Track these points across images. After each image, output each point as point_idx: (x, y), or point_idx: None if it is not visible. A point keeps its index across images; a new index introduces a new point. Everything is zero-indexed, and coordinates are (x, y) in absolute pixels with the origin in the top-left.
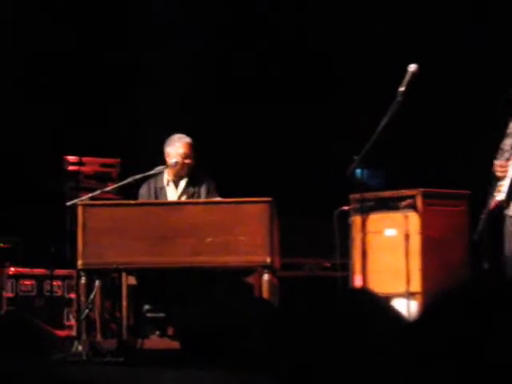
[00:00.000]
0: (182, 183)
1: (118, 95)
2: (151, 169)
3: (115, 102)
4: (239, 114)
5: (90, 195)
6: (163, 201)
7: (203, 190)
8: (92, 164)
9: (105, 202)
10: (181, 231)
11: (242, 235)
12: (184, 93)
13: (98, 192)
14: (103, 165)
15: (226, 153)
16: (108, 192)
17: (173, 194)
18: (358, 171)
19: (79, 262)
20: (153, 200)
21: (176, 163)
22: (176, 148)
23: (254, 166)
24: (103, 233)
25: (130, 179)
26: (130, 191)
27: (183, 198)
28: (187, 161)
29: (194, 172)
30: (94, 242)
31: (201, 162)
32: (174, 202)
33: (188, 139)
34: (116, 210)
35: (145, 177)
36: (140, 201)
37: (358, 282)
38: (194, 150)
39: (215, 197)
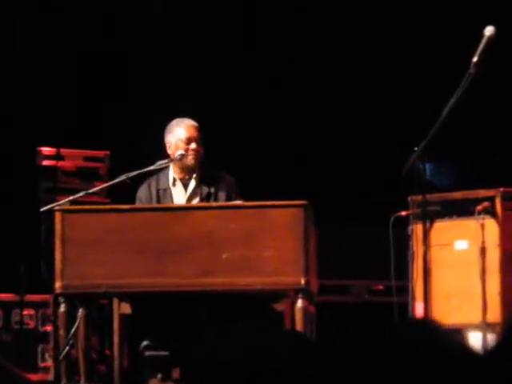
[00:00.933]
0: (193, 183)
1: (108, 73)
2: (151, 164)
3: (104, 80)
4: (262, 100)
5: (71, 198)
6: (167, 205)
7: (221, 190)
8: (73, 157)
9: (90, 206)
10: (190, 244)
11: (268, 249)
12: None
13: (81, 194)
14: (88, 158)
15: (246, 147)
16: (94, 194)
17: (180, 196)
18: (420, 166)
19: (57, 285)
20: (154, 204)
21: (182, 156)
22: (178, 134)
23: (283, 163)
24: (88, 246)
25: (123, 177)
26: (124, 193)
27: (194, 202)
28: (194, 146)
29: (206, 167)
30: (77, 258)
31: (216, 158)
32: (181, 206)
33: (192, 121)
34: (105, 216)
35: (143, 174)
36: (137, 205)
37: (419, 310)
38: (202, 136)
39: (236, 199)
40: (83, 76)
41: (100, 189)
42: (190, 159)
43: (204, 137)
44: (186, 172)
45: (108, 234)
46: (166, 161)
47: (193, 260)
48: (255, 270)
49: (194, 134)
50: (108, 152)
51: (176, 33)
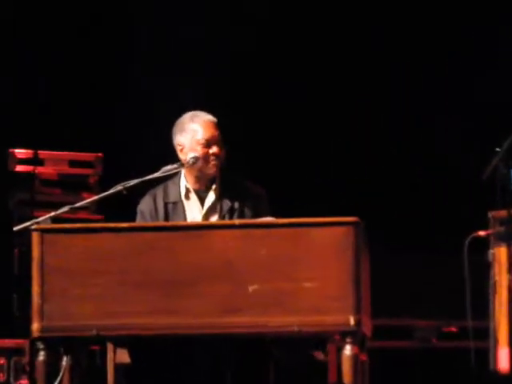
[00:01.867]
0: (211, 195)
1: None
2: (156, 170)
3: (95, 65)
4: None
5: (53, 214)
6: (178, 223)
7: (248, 205)
8: (55, 162)
9: (77, 225)
10: (207, 274)
11: (308, 280)
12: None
13: (65, 209)
14: (74, 163)
15: (279, 152)
16: (83, 209)
17: (195, 211)
18: (504, 172)
19: (35, 327)
20: (161, 222)
21: (196, 159)
22: (193, 133)
23: (324, 173)
24: (75, 276)
25: (119, 187)
26: (121, 208)
27: (213, 219)
28: (215, 150)
29: (229, 175)
30: (60, 292)
31: (241, 164)
32: (196, 224)
33: (210, 116)
34: (97, 238)
35: (146, 184)
36: (138, 223)
37: (503, 358)
38: (222, 135)
39: (267, 217)
40: (69, 62)
41: (89, 202)
42: (210, 167)
43: (224, 136)
44: (203, 181)
45: (100, 260)
46: (175, 165)
47: (211, 294)
48: (291, 306)
49: (215, 133)
50: (100, 155)
51: (176, 28)
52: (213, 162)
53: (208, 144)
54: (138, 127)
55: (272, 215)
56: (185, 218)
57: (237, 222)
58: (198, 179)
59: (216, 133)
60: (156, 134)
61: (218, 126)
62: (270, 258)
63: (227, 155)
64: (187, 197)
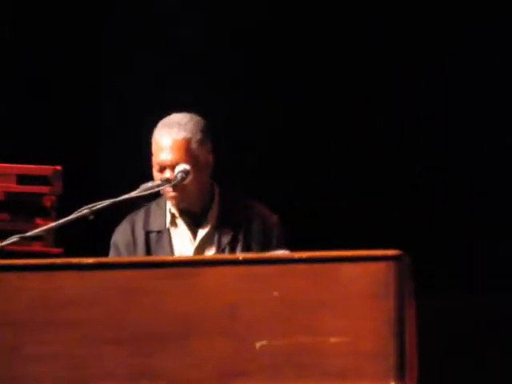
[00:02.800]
0: (207, 222)
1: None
2: (134, 188)
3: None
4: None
5: None
6: (162, 258)
7: (255, 235)
8: (1, 178)
9: (29, 261)
10: (200, 326)
11: (334, 333)
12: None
13: (12, 239)
14: (24, 178)
15: (296, 167)
16: (36, 239)
17: (185, 243)
18: None
19: None
20: (140, 257)
21: (186, 173)
22: (153, 146)
23: (351, 193)
24: (26, 330)
25: (84, 211)
26: (86, 239)
27: (209, 254)
28: (168, 175)
29: (230, 196)
30: (6, 350)
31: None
32: (186, 259)
33: (173, 131)
34: (54, 278)
35: (119, 206)
36: (110, 259)
37: None
38: (202, 149)
39: (280, 249)
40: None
41: (45, 230)
42: (174, 200)
43: (210, 142)
44: (195, 203)
45: (60, 308)
46: (158, 182)
47: (206, 353)
48: (311, 368)
49: (170, 156)
50: (58, 168)
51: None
52: (167, 195)
53: (160, 168)
54: (109, 130)
55: (287, 247)
56: (172, 252)
57: (240, 255)
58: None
59: (173, 156)
60: (132, 140)
61: (192, 140)
62: (284, 304)
63: (217, 170)
64: (174, 223)
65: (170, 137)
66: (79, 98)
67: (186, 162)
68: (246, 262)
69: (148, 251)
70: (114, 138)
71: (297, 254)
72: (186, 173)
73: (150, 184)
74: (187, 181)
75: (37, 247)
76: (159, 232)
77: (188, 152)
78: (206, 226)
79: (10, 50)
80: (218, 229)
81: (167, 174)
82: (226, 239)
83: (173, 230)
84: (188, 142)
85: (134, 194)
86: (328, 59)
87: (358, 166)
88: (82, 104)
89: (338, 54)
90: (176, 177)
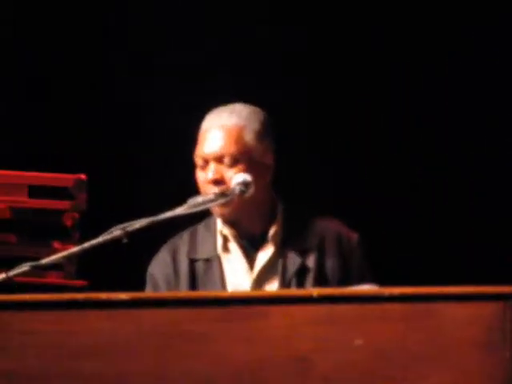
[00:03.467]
0: (269, 247)
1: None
2: (178, 204)
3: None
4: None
5: (3, 276)
6: (212, 294)
7: (331, 260)
8: (7, 188)
9: (44, 296)
10: (264, 378)
11: None
12: None
13: (23, 268)
14: (38, 190)
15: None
16: (53, 268)
17: (240, 273)
18: None
19: None
20: (184, 292)
21: (246, 185)
22: (199, 136)
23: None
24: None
25: (115, 232)
26: (117, 268)
27: (271, 287)
28: (209, 175)
29: (296, 212)
30: None
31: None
32: (243, 295)
33: (225, 115)
34: (77, 318)
35: (159, 227)
36: (147, 294)
37: None
38: (259, 143)
39: (364, 282)
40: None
41: (65, 257)
42: (214, 211)
43: (272, 141)
44: (252, 223)
45: (83, 358)
46: (211, 197)
47: None
48: None
49: (218, 143)
50: (82, 177)
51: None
52: (216, 211)
53: (204, 164)
54: (141, 130)
55: (372, 277)
56: (223, 285)
57: (315, 291)
58: (226, 218)
59: (219, 146)
60: (175, 144)
61: (248, 129)
62: (369, 355)
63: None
64: (226, 249)
65: (218, 122)
66: (110, 100)
67: (236, 155)
68: (321, 299)
69: (193, 284)
70: (151, 141)
71: (387, 290)
72: (245, 184)
73: (200, 199)
74: (248, 194)
75: (54, 278)
76: (208, 260)
77: (239, 142)
78: (267, 252)
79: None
80: (282, 254)
81: (210, 169)
82: (292, 268)
83: (224, 257)
84: (241, 129)
85: (179, 211)
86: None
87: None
88: (106, 98)
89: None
90: (233, 190)
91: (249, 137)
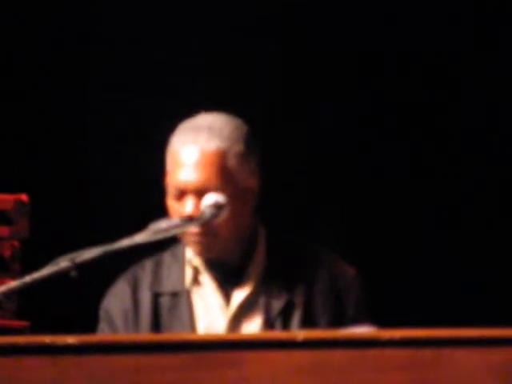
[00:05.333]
0: (246, 279)
1: None
2: (138, 229)
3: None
4: None
5: None
6: (180, 336)
7: (323, 297)
8: None
9: None
10: None
11: None
12: None
13: None
14: None
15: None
16: None
17: (214, 311)
18: None
19: None
20: (145, 330)
21: (219, 207)
22: (171, 160)
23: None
24: None
25: (62, 264)
26: (63, 306)
27: (251, 328)
28: (188, 208)
29: (281, 239)
30: None
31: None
32: (217, 338)
33: (205, 139)
34: (17, 365)
35: (114, 255)
36: (103, 336)
37: None
38: (242, 168)
39: (361, 323)
40: None
41: (4, 292)
42: (190, 244)
43: (256, 160)
44: (227, 252)
45: None
46: (177, 221)
47: None
48: None
49: (197, 172)
50: (23, 197)
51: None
52: (189, 238)
53: (179, 194)
54: (94, 144)
55: (370, 319)
56: (192, 326)
57: (301, 334)
58: (199, 251)
59: (198, 176)
60: (135, 156)
61: (231, 154)
62: None
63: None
64: (197, 282)
65: (196, 146)
66: (57, 110)
67: (219, 186)
68: (308, 344)
69: (156, 323)
70: (105, 156)
71: (386, 333)
72: (218, 207)
73: (163, 224)
74: (220, 219)
75: None
76: (174, 294)
77: (221, 171)
78: (246, 286)
79: None
80: (263, 290)
81: (189, 204)
82: (276, 306)
83: (195, 292)
84: (223, 155)
85: (139, 238)
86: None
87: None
88: (60, 115)
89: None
90: (203, 213)
91: (232, 162)
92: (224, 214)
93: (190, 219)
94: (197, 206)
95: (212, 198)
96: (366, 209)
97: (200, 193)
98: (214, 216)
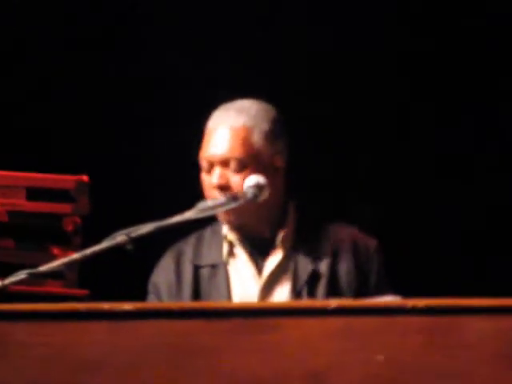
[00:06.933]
0: (277, 252)
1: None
2: (187, 207)
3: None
4: None
5: (0, 285)
6: (216, 304)
7: (346, 267)
8: (5, 190)
9: (42, 305)
10: None
11: None
12: None
13: (20, 276)
14: (37, 193)
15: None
16: (52, 276)
17: (248, 280)
18: None
19: None
20: (187, 298)
21: (260, 188)
22: (205, 136)
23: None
24: None
25: (119, 238)
26: (120, 276)
27: (280, 296)
28: (215, 179)
29: (309, 216)
30: None
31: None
32: (251, 306)
33: (231, 115)
34: (77, 329)
35: (166, 232)
36: (154, 304)
37: None
38: (267, 145)
39: (383, 292)
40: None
41: (66, 264)
42: (219, 215)
43: (283, 141)
44: (260, 226)
45: (84, 371)
46: (222, 200)
47: None
48: None
49: (223, 145)
50: (85, 178)
51: None
52: (220, 215)
53: (209, 167)
54: (148, 132)
55: (393, 291)
56: (228, 294)
57: (332, 302)
58: (232, 224)
59: (224, 149)
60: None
61: (261, 131)
62: (391, 372)
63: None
64: (231, 254)
65: (225, 122)
66: (116, 96)
67: (242, 158)
68: (338, 311)
69: (196, 292)
70: (159, 140)
71: (410, 302)
72: (260, 188)
73: (209, 203)
74: (262, 198)
75: (53, 287)
76: (213, 266)
77: (246, 145)
78: (276, 257)
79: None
80: (292, 260)
81: (215, 174)
82: (304, 275)
83: (231, 264)
84: (249, 130)
85: (187, 215)
86: None
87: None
88: (111, 96)
89: None
90: (246, 193)
91: (257, 138)
92: (264, 195)
93: (233, 198)
94: (223, 175)
95: (254, 180)
96: (390, 186)
97: (225, 163)
98: (255, 196)
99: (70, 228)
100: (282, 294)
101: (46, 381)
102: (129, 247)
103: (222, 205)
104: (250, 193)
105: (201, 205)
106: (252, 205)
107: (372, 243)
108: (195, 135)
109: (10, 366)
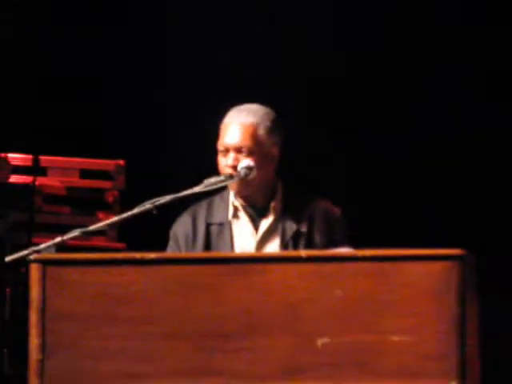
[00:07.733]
0: (270, 215)
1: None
2: (197, 183)
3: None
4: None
5: (58, 240)
6: (221, 254)
7: (319, 229)
8: (62, 171)
9: (91, 255)
10: (261, 322)
11: (396, 332)
12: None
13: (74, 233)
14: (86, 173)
15: (359, 158)
16: (98, 234)
17: (246, 236)
18: None
19: None
20: (199, 249)
21: (249, 169)
22: (222, 129)
23: (417, 190)
24: (87, 325)
25: (147, 206)
26: (148, 233)
27: (271, 248)
28: (229, 161)
29: (294, 189)
30: (67, 345)
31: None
32: (247, 255)
33: (242, 115)
34: (116, 273)
35: (182, 201)
36: (170, 254)
37: None
38: (268, 138)
39: (343, 246)
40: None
41: (108, 225)
42: (242, 187)
43: (279, 136)
44: (257, 196)
45: (121, 303)
46: (221, 178)
47: (266, 350)
48: (373, 367)
49: (237, 136)
50: (121, 162)
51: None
52: (242, 185)
53: (225, 151)
54: (172, 126)
55: (351, 245)
56: (232, 245)
57: (304, 253)
58: (240, 194)
59: (238, 139)
60: (196, 135)
61: (263, 127)
62: (346, 303)
63: (284, 164)
64: (236, 216)
65: (238, 120)
66: (143, 91)
67: (251, 147)
68: (309, 259)
69: (208, 244)
70: (177, 133)
71: (360, 252)
72: (249, 168)
73: (213, 180)
74: (251, 177)
75: (99, 242)
76: (221, 224)
77: (254, 137)
78: (269, 219)
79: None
80: (280, 222)
81: (230, 157)
82: (289, 233)
83: (235, 223)
84: (255, 127)
85: (196, 189)
86: None
87: (423, 162)
88: (146, 97)
89: None
90: (239, 172)
91: (262, 132)
92: (253, 174)
93: (230, 176)
94: (236, 158)
95: (245, 163)
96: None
97: (238, 150)
98: (246, 175)
99: (110, 199)
100: (272, 247)
101: (94, 310)
102: (154, 212)
103: (222, 181)
104: (242, 172)
105: (207, 181)
106: (253, 181)
107: (337, 211)
108: (212, 130)
109: (67, 299)
